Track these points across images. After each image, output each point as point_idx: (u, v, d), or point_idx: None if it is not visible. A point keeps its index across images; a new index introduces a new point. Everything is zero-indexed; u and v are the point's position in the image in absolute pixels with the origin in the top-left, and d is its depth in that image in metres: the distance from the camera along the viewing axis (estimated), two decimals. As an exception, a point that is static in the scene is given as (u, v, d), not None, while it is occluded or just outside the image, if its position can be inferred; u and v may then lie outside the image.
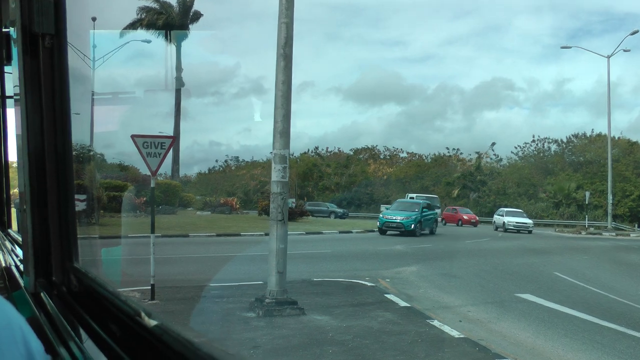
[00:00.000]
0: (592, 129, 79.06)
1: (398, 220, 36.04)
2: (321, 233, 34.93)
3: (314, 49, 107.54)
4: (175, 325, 1.57)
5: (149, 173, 13.48)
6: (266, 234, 31.84)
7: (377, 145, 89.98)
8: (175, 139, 14.43)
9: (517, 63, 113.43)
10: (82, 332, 2.11)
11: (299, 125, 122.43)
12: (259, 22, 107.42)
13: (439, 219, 48.29)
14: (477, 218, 59.91)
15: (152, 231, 13.14)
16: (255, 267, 19.30)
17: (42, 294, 2.68)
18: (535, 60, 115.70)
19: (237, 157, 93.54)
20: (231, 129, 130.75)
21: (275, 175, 11.60)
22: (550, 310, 14.13)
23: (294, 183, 71.05)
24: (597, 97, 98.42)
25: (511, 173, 77.19)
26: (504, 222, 49.13)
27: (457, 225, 56.53)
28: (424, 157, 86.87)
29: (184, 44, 57.01)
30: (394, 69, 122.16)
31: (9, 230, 6.13)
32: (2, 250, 4.91)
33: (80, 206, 36.25)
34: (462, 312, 13.47)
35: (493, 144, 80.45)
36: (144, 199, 43.94)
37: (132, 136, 13.04)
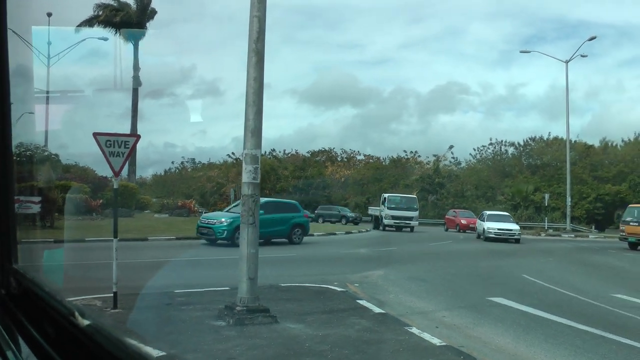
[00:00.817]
0: (549, 132, 79.85)
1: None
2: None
3: (270, 50, 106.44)
4: (107, 324, 1.49)
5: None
6: (227, 238, 31.49)
7: (334, 148, 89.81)
8: (139, 137, 13.72)
9: (472, 68, 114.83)
10: (19, 337, 2.07)
11: None
12: (216, 23, 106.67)
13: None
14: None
15: (115, 235, 12.50)
16: (219, 272, 18.76)
17: None
18: (490, 65, 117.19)
19: (194, 159, 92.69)
20: (186, 131, 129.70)
21: (246, 177, 11.05)
22: (525, 314, 13.82)
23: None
24: (549, 102, 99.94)
25: (469, 175, 77.63)
26: (484, 228, 40.57)
27: (456, 231, 53.32)
28: (382, 160, 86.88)
29: (140, 43, 55.95)
30: (350, 72, 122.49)
31: None
32: None
33: (34, 208, 35.19)
34: (438, 318, 13.07)
35: (451, 146, 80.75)
36: (101, 201, 42.90)
37: (95, 134, 12.37)
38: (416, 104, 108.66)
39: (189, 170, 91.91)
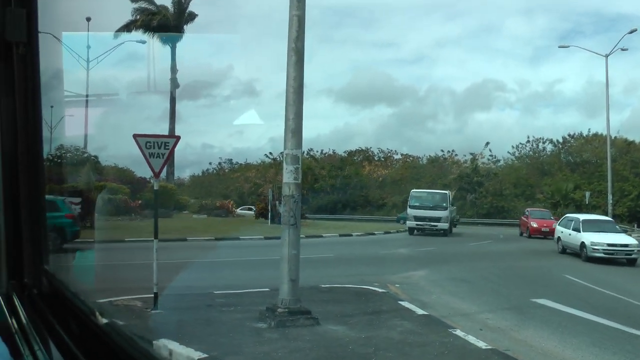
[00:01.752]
0: (589, 129, 78.37)
1: None
2: (321, 236, 34.22)
3: (307, 50, 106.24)
4: (124, 323, 1.65)
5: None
6: (265, 238, 31.51)
7: (371, 147, 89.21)
8: (179, 138, 13.69)
9: (508, 64, 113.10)
10: (47, 336, 2.13)
11: None
12: (252, 24, 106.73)
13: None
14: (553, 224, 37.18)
15: (156, 236, 12.51)
16: (259, 272, 18.70)
17: (13, 296, 2.71)
18: (526, 62, 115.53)
19: (231, 159, 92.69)
20: (223, 132, 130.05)
21: (287, 177, 10.94)
22: (570, 317, 13.52)
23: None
24: (587, 98, 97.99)
25: (508, 174, 76.57)
26: (583, 242, 26.84)
27: (527, 236, 42.46)
28: (419, 159, 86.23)
29: (177, 45, 56.26)
30: (386, 70, 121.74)
31: None
32: None
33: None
34: (482, 320, 12.85)
35: (487, 143, 79.52)
36: (139, 201, 43.19)
37: (135, 136, 12.37)
38: (452, 102, 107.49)
39: (226, 171, 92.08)
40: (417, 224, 40.21)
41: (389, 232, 42.05)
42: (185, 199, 53.14)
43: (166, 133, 55.27)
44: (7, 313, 2.59)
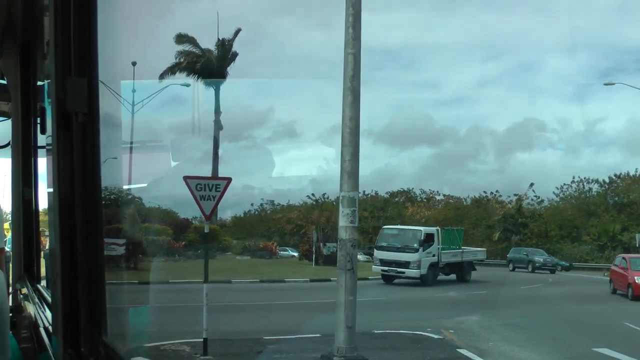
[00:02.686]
0: (636, 169, 76.66)
1: None
2: (367, 279, 33.54)
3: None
4: None
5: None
6: (311, 280, 31.05)
7: (412, 188, 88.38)
8: (230, 180, 13.43)
9: (549, 103, 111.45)
10: None
11: (331, 170, 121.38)
12: (293, 66, 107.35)
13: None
14: None
15: (206, 279, 12.09)
16: (307, 316, 18.30)
17: None
18: (567, 100, 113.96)
19: (272, 200, 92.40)
20: (264, 173, 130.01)
21: (343, 220, 10.61)
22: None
23: (335, 226, 69.69)
24: (630, 136, 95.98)
25: (553, 215, 75.16)
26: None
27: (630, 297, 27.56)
28: (463, 200, 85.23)
29: (221, 87, 56.70)
30: (426, 111, 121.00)
31: (38, 286, 6.01)
32: (31, 304, 4.89)
33: (118, 250, 35.54)
34: (544, 370, 12.28)
35: (532, 184, 78.13)
36: (183, 242, 43.17)
37: (185, 178, 12.18)
38: (493, 142, 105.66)
39: (267, 212, 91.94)
40: (382, 269, 33.59)
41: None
42: (228, 240, 52.99)
43: (209, 174, 55.59)
44: None
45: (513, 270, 53.17)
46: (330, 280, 31.90)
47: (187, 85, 53.69)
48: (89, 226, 2.76)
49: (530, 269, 51.45)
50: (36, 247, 6.79)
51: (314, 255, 42.98)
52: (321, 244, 44.87)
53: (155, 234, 41.90)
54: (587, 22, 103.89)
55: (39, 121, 4.95)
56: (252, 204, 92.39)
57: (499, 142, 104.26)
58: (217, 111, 55.20)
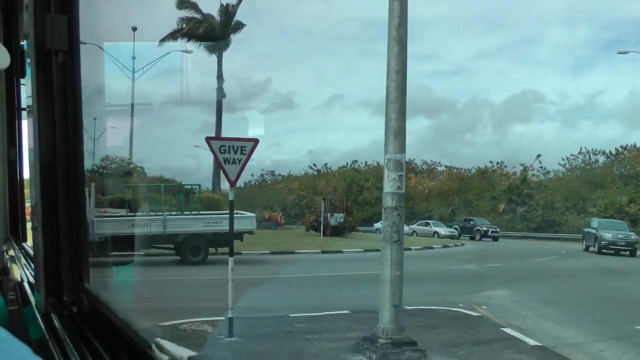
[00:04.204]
0: (635, 142, 75.60)
1: None
2: (379, 250, 32.65)
3: (346, 64, 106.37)
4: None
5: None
6: (322, 252, 30.12)
7: (414, 159, 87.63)
8: (257, 142, 12.19)
9: (548, 75, 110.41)
10: (88, 356, 2.07)
11: (328, 140, 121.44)
12: (290, 39, 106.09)
13: None
14: None
15: (231, 253, 11.03)
16: (328, 291, 17.39)
17: (52, 314, 2.67)
18: (567, 72, 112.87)
19: (273, 171, 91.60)
20: (261, 144, 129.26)
21: (389, 186, 9.53)
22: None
23: (341, 197, 68.71)
24: (630, 109, 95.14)
25: (558, 187, 74.24)
26: None
27: None
28: (467, 171, 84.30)
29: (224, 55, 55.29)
30: (424, 83, 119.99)
31: (24, 244, 5.92)
32: (17, 264, 4.93)
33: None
34: (595, 352, 11.40)
35: (539, 156, 77.37)
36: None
37: (207, 139, 11.10)
38: (491, 114, 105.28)
39: (268, 182, 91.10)
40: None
41: (447, 246, 40.28)
42: (232, 210, 52.00)
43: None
44: (45, 331, 2.57)
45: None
46: (342, 252, 31.09)
47: (189, 52, 52.22)
48: (70, 176, 2.73)
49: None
50: (21, 208, 6.62)
51: (321, 226, 41.95)
52: (328, 215, 43.89)
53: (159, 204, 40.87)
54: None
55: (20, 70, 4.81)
56: (252, 175, 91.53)
57: (497, 114, 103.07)
58: (220, 78, 53.95)
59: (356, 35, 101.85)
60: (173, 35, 52.77)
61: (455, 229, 57.02)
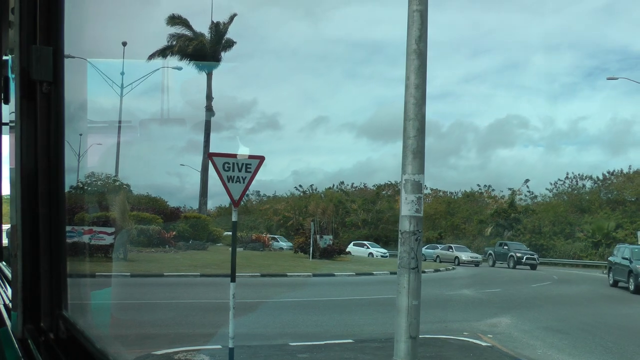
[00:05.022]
0: (630, 166, 75.65)
1: None
2: (372, 274, 31.95)
3: (332, 85, 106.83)
4: None
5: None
6: (314, 275, 29.36)
7: (399, 181, 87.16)
8: (263, 159, 11.53)
9: (532, 101, 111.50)
10: None
11: (313, 162, 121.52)
12: (278, 58, 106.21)
13: None
14: None
15: (233, 278, 10.28)
16: (327, 317, 16.66)
17: (29, 340, 2.67)
18: (551, 98, 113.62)
19: (258, 191, 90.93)
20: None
21: (407, 209, 8.82)
22: None
23: (330, 219, 68.04)
24: (611, 136, 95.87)
25: (545, 211, 74.00)
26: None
27: None
28: (453, 194, 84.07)
29: (214, 73, 54.68)
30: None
31: (0, 264, 6.07)
32: None
33: (107, 240, 33.68)
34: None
35: (527, 180, 77.50)
36: (174, 233, 41.30)
37: (210, 155, 10.43)
38: (475, 138, 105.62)
39: (253, 202, 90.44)
40: None
41: (439, 270, 39.61)
42: (218, 230, 51.12)
43: (200, 163, 53.68)
44: (22, 357, 2.59)
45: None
46: (334, 275, 30.35)
47: (179, 68, 51.64)
48: (52, 200, 2.74)
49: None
50: None
51: (311, 248, 41.20)
52: (317, 237, 43.17)
53: (145, 223, 40.05)
54: (573, 22, 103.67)
55: (2, 96, 4.67)
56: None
57: (481, 138, 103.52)
58: (209, 97, 53.33)
59: (342, 57, 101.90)
60: (163, 52, 52.21)
61: (490, 254, 54.48)
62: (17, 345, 2.73)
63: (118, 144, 50.17)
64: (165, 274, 26.40)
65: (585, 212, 71.84)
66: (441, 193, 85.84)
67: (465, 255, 52.30)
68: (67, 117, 2.86)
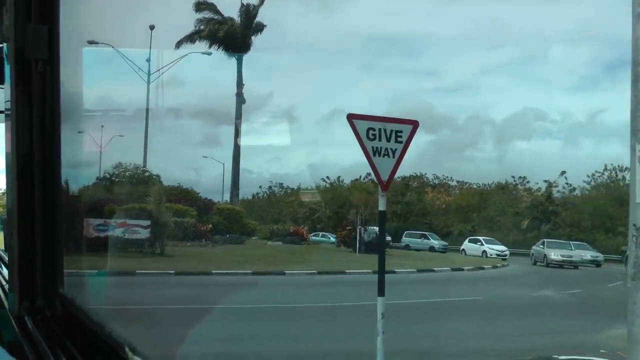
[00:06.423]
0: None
1: None
2: (433, 271, 29.38)
3: (349, 79, 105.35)
4: None
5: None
6: (374, 272, 26.86)
7: (425, 173, 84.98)
8: (417, 124, 9.11)
9: (550, 93, 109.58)
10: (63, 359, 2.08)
11: (329, 155, 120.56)
12: (295, 52, 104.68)
13: None
14: None
15: (381, 292, 7.79)
16: (464, 326, 14.32)
17: (25, 318, 2.69)
18: (569, 91, 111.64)
19: (282, 183, 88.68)
20: (260, 158, 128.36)
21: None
22: None
23: (364, 210, 65.64)
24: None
25: (584, 204, 71.44)
26: None
27: None
28: (486, 186, 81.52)
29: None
30: (426, 99, 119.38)
31: None
32: None
33: (142, 233, 31.33)
34: None
35: (563, 172, 74.70)
36: (210, 226, 39.03)
37: (350, 116, 7.92)
38: (492, 130, 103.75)
39: (277, 195, 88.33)
40: None
41: (497, 267, 37.07)
42: (254, 223, 48.78)
43: (231, 153, 51.50)
44: (19, 334, 2.58)
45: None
46: (394, 272, 27.73)
47: (209, 53, 49.29)
48: (47, 181, 2.74)
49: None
50: None
51: (357, 242, 38.78)
52: (362, 229, 40.76)
53: (179, 215, 37.78)
54: (593, 12, 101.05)
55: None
56: (260, 187, 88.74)
57: (498, 130, 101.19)
58: (240, 84, 51.04)
59: (358, 49, 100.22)
60: (191, 37, 49.90)
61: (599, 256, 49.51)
62: (13, 323, 2.71)
63: (146, 134, 48.46)
64: (213, 271, 24.06)
65: (626, 205, 69.11)
66: (467, 185, 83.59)
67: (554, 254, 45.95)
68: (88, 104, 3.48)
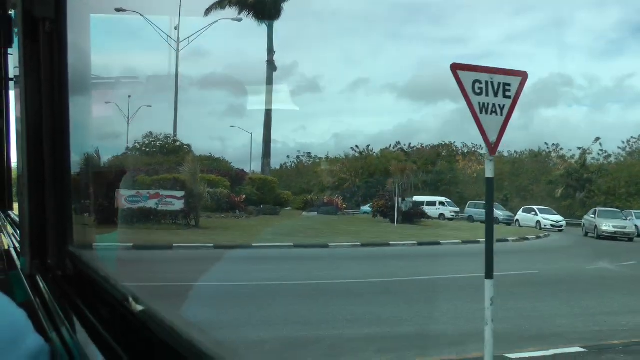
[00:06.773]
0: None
1: None
2: (478, 242, 28.39)
3: (373, 46, 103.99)
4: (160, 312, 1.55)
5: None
6: (419, 244, 26.10)
7: (454, 142, 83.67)
8: (526, 76, 8.18)
9: (577, 59, 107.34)
10: (73, 316, 2.11)
11: (354, 124, 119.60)
12: (319, 20, 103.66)
13: None
14: None
15: (489, 274, 6.84)
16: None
17: (37, 277, 2.74)
18: (596, 56, 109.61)
19: (309, 152, 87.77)
20: (286, 127, 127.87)
21: None
22: None
23: (408, 180, 64.50)
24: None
25: (619, 171, 69.81)
26: None
27: None
28: (520, 154, 79.96)
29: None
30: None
31: (10, 212, 6.15)
32: (3, 233, 5.07)
33: (177, 205, 30.57)
34: None
35: (597, 139, 73.10)
36: (244, 196, 38.24)
37: (454, 66, 6.93)
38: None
39: (305, 164, 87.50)
40: None
41: (540, 237, 35.96)
42: (287, 193, 47.97)
43: (262, 122, 50.65)
44: (30, 292, 2.62)
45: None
46: (439, 244, 26.98)
47: (239, 20, 48.22)
48: (56, 144, 2.75)
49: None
50: (7, 176, 6.82)
51: (395, 213, 37.87)
52: (400, 200, 39.82)
53: (212, 186, 37.02)
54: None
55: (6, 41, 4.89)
56: (288, 156, 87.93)
57: (524, 98, 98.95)
58: (270, 51, 50.01)
59: (383, 17, 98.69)
60: (221, 4, 48.86)
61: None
62: (26, 283, 2.76)
63: (176, 104, 47.67)
64: (253, 244, 23.29)
65: (662, 172, 67.64)
66: (497, 154, 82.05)
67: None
68: (78, 65, 2.91)
